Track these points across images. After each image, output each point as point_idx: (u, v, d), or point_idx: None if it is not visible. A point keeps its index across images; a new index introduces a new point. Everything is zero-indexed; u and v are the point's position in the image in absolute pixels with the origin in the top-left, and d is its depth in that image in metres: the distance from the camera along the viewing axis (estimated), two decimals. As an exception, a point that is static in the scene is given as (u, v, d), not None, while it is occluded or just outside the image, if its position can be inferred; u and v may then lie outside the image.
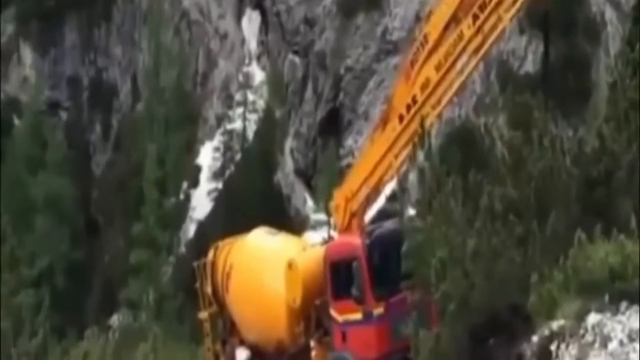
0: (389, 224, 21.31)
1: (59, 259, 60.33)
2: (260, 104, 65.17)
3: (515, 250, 21.91)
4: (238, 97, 66.53)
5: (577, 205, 22.18)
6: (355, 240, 20.84)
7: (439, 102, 19.99)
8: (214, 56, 68.21)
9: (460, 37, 19.38)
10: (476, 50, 19.49)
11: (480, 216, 23.00)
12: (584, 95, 30.53)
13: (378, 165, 20.70)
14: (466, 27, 19.29)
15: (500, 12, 19.04)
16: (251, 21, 66.39)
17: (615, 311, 17.86)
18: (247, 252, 23.00)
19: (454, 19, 19.51)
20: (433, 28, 19.90)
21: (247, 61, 67.05)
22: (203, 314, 23.94)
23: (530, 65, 33.92)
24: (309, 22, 56.96)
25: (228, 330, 23.73)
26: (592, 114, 26.92)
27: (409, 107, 20.09)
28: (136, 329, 45.28)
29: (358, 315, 20.66)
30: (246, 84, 66.23)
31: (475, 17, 19.12)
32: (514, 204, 22.70)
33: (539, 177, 22.78)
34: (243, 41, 67.01)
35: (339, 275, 20.87)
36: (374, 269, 20.60)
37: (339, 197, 21.41)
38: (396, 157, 20.64)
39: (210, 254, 23.89)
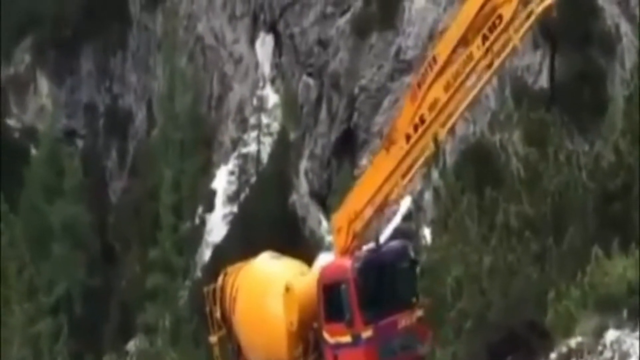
0: (381, 248, 21.18)
1: (76, 286, 60.33)
2: (275, 126, 65.10)
3: (531, 267, 21.68)
4: (252, 120, 66.50)
5: (594, 220, 21.92)
6: (346, 264, 20.79)
7: (447, 120, 19.87)
8: (228, 80, 68.26)
9: (470, 57, 19.36)
10: (486, 69, 19.41)
11: (496, 233, 22.79)
12: (600, 109, 30.30)
13: (384, 185, 20.55)
14: (475, 48, 19.27)
15: (510, 32, 18.96)
16: (265, 44, 66.43)
17: (634, 327, 17.57)
18: (251, 276, 23.13)
19: (463, 40, 19.46)
20: (442, 49, 19.86)
21: (261, 84, 67.02)
22: (213, 338, 24.01)
23: (544, 81, 33.73)
24: (323, 44, 56.93)
25: (236, 353, 23.74)
26: (608, 128, 26.68)
27: (416, 127, 19.98)
28: (153, 354, 45.13)
29: (347, 338, 20.72)
30: (260, 107, 66.22)
31: (485, 38, 19.10)
32: (530, 221, 22.49)
33: (555, 193, 22.55)
34: (257, 64, 67.02)
35: (330, 298, 21.01)
36: (363, 293, 20.60)
37: (341, 218, 21.28)
38: (403, 176, 20.48)
39: (220, 279, 23.98)
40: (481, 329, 21.27)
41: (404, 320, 20.81)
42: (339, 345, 20.82)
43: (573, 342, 18.39)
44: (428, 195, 30.67)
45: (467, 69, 19.45)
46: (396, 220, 29.93)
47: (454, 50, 19.68)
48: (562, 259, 21.49)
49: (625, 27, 31.16)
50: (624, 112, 23.11)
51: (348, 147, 52.53)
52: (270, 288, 22.07)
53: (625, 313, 17.81)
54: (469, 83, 19.59)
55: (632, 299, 17.77)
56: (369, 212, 20.74)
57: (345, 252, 21.07)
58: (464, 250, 23.19)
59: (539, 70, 33.89)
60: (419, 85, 20.00)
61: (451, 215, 25.56)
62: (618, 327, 17.65)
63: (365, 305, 20.49)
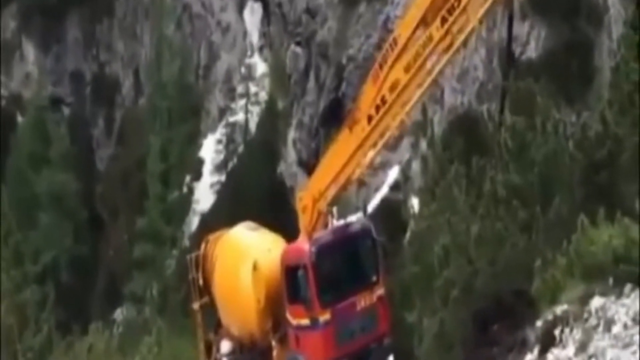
0: (338, 230, 21.26)
1: (63, 254, 60.27)
2: (263, 95, 65.06)
3: (518, 235, 21.86)
4: (240, 89, 66.43)
5: (580, 189, 22.11)
6: (304, 247, 20.86)
7: (408, 101, 20.06)
8: (216, 49, 68.10)
9: (430, 38, 19.60)
10: (445, 50, 19.64)
11: (484, 202, 22.97)
12: (587, 79, 30.46)
13: (347, 164, 20.70)
14: (435, 29, 19.48)
15: (469, 13, 19.16)
16: (253, 13, 66.26)
17: (619, 294, 17.76)
18: (227, 247, 23.17)
19: (423, 22, 19.65)
20: (403, 30, 20.05)
21: (249, 53, 66.90)
22: (195, 305, 24.11)
23: (532, 51, 33.79)
24: (311, 12, 56.79)
25: (217, 322, 23.89)
26: (595, 98, 26.84)
27: (378, 108, 20.12)
28: (140, 323, 45.23)
29: (306, 321, 20.87)
30: (248, 76, 66.12)
31: (444, 20, 19.30)
32: (517, 190, 22.68)
33: (542, 163, 22.74)
34: (245, 33, 66.86)
35: (291, 280, 21.10)
36: (321, 277, 20.72)
37: (306, 197, 21.38)
38: (365, 155, 20.63)
39: (202, 246, 24.02)
40: (468, 297, 21.46)
41: (364, 301, 20.94)
42: (299, 327, 21.03)
43: (559, 309, 18.58)
44: (416, 165, 30.76)
45: (427, 50, 19.70)
46: (384, 190, 29.98)
47: (414, 32, 19.88)
48: (548, 227, 21.66)
49: (613, -2, 31.31)
50: (611, 82, 23.26)
51: (336, 117, 52.50)
52: (242, 262, 22.16)
53: (610, 281, 18.00)
54: (429, 64, 19.81)
55: (618, 266, 17.96)
56: (332, 191, 20.88)
57: (311, 231, 21.18)
58: (452, 219, 23.34)
59: (527, 40, 33.95)
60: (381, 66, 20.18)
61: (439, 185, 25.69)
62: (603, 294, 17.83)
63: (323, 289, 20.68)
